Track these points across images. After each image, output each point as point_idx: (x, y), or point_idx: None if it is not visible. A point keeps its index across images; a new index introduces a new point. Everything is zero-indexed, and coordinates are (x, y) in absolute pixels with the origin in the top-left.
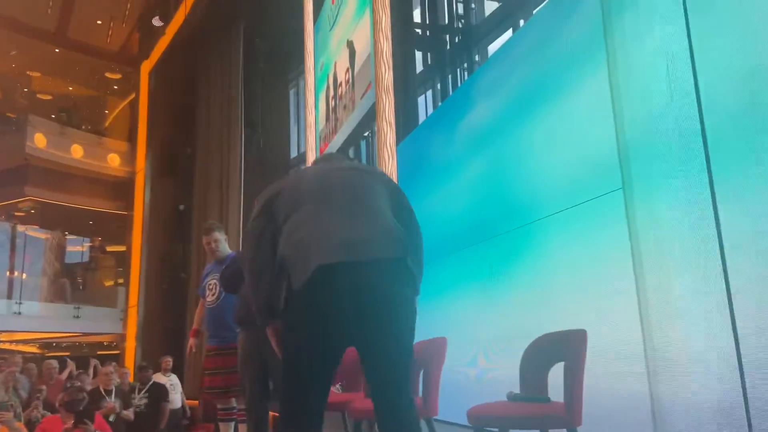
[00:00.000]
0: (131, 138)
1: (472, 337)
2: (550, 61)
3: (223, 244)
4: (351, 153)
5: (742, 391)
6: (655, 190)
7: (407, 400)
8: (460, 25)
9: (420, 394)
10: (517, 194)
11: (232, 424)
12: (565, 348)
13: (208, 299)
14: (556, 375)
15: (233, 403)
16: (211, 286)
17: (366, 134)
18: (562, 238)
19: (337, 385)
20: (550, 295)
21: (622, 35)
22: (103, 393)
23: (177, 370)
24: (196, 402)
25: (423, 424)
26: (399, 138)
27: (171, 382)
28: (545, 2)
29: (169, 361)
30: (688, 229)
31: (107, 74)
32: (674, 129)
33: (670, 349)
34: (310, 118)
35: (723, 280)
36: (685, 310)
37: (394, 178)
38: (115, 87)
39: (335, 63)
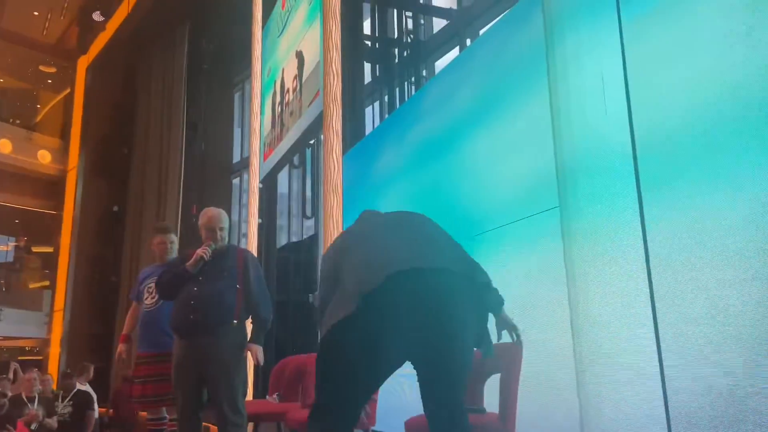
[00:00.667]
0: (64, 135)
1: None
2: (495, 80)
3: (176, 247)
4: (296, 160)
5: (664, 399)
6: (589, 208)
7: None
8: (409, 40)
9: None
10: (458, 209)
11: None
12: (500, 360)
13: (147, 302)
14: (491, 386)
15: (164, 413)
16: (150, 289)
17: (312, 142)
18: (502, 252)
19: (275, 395)
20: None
21: (563, 59)
22: (25, 400)
23: (104, 377)
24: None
25: None
26: (345, 148)
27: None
28: (492, 23)
29: (91, 369)
30: (618, 244)
31: (42, 67)
32: (608, 150)
33: (599, 359)
34: (255, 123)
35: (648, 294)
36: (613, 323)
37: (339, 188)
38: (49, 81)
39: (283, 69)
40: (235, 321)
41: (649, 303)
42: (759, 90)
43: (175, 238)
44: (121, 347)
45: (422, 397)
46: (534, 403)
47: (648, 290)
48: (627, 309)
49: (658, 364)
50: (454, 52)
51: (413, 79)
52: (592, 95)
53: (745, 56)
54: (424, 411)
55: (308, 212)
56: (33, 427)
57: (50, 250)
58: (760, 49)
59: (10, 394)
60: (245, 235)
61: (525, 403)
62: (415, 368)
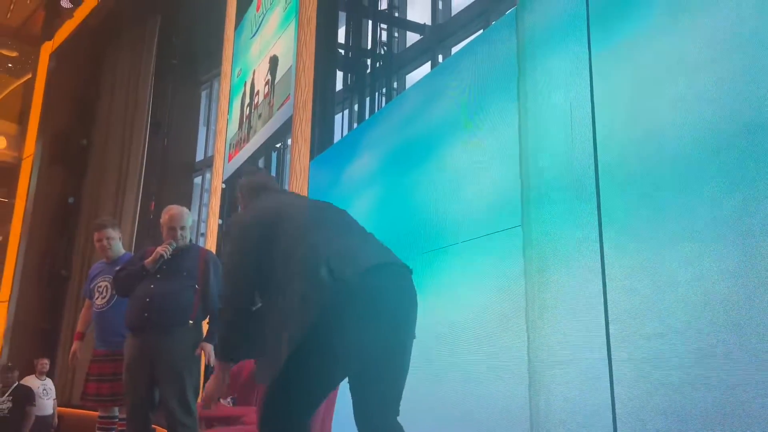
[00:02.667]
0: (21, 121)
1: None
2: (466, 98)
3: (117, 243)
4: (261, 163)
5: (612, 408)
6: (550, 229)
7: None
8: (382, 52)
9: None
10: (422, 223)
11: None
12: None
13: (98, 302)
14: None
15: (116, 412)
16: (101, 288)
17: (278, 145)
18: (463, 267)
19: (229, 399)
20: (444, 320)
21: (534, 80)
22: None
23: (48, 373)
24: (71, 409)
25: None
26: (312, 153)
27: (45, 386)
28: (464, 42)
29: (45, 363)
30: (576, 263)
31: (2, 51)
32: (572, 175)
33: (553, 377)
34: (222, 123)
35: (603, 315)
36: (567, 341)
37: (305, 192)
38: (10, 65)
39: (254, 71)
40: (191, 321)
41: (603, 323)
42: (724, 122)
43: (114, 233)
44: (75, 345)
45: (362, 412)
46: (483, 413)
47: (603, 311)
48: (582, 326)
49: (609, 384)
50: (426, 67)
51: (384, 90)
52: (559, 120)
53: (709, 88)
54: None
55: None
56: None
57: None
58: (726, 82)
59: None
60: (203, 235)
61: (477, 413)
62: (356, 377)
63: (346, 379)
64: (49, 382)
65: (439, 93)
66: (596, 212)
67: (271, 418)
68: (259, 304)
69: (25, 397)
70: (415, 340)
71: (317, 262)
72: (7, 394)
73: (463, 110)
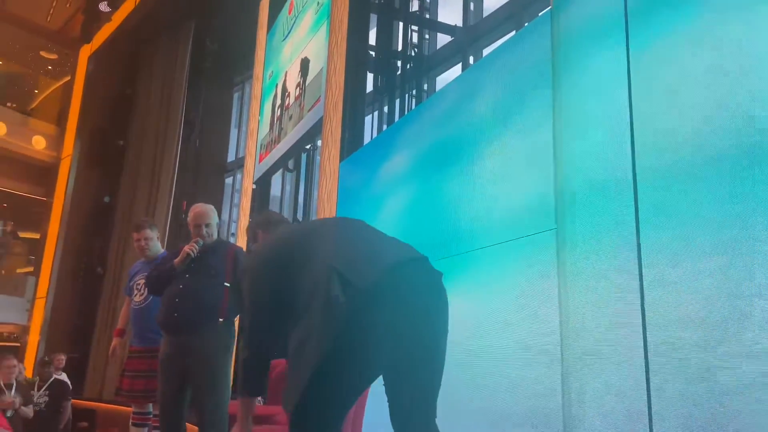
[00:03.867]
0: (60, 122)
1: None
2: (498, 100)
3: (155, 243)
4: (291, 164)
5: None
6: (586, 232)
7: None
8: (413, 53)
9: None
10: (454, 225)
11: (146, 429)
12: None
13: (136, 299)
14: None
15: (150, 408)
16: (139, 286)
17: (308, 147)
18: (496, 269)
19: (259, 398)
20: (478, 322)
21: (569, 83)
22: (2, 386)
23: (80, 369)
24: (102, 404)
25: None
26: (342, 155)
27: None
28: (496, 43)
29: (62, 359)
30: (613, 270)
31: (42, 53)
32: (608, 178)
33: (587, 387)
34: (253, 124)
35: (640, 320)
36: (603, 346)
37: (334, 195)
38: (50, 67)
39: (285, 73)
40: (221, 319)
41: (641, 330)
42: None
43: (151, 234)
44: (115, 341)
45: (398, 413)
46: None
47: (640, 317)
48: (619, 330)
49: (645, 391)
50: (456, 69)
51: (414, 92)
52: (596, 122)
53: (754, 88)
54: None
55: (299, 216)
56: (8, 414)
57: (37, 236)
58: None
59: None
60: (234, 235)
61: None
62: (389, 377)
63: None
64: (64, 377)
65: (470, 95)
66: (634, 215)
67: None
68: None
69: (62, 391)
70: (450, 343)
71: (329, 275)
72: (44, 389)
73: (495, 112)
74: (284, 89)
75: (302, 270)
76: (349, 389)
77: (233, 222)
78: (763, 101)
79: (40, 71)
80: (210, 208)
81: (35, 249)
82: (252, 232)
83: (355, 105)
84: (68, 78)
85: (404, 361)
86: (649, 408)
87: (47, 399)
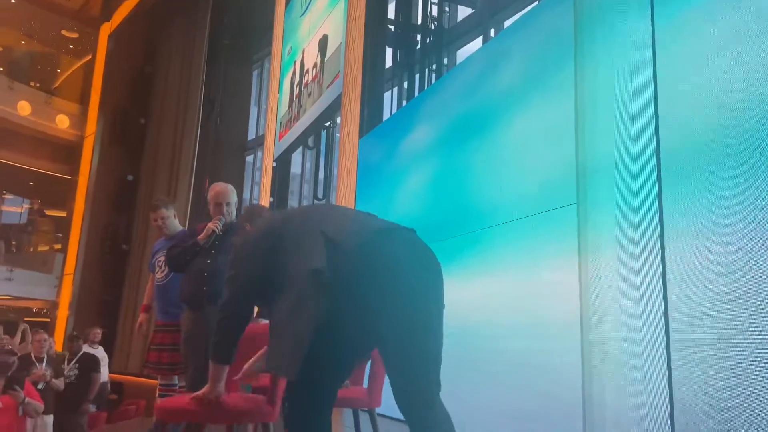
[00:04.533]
0: (83, 101)
1: None
2: (520, 73)
3: (172, 221)
4: (311, 142)
5: (668, 386)
6: (608, 207)
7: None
8: (432, 27)
9: (365, 384)
10: (474, 201)
11: None
12: None
13: (158, 276)
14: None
15: (176, 380)
16: (160, 263)
17: (328, 124)
18: (517, 244)
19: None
20: (496, 297)
21: (592, 56)
22: (33, 359)
23: (109, 344)
24: (127, 377)
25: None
26: (362, 131)
27: (100, 354)
28: (517, 15)
29: (97, 332)
30: (635, 245)
31: (64, 32)
32: (631, 151)
33: (607, 359)
34: (273, 102)
35: (662, 297)
36: (624, 317)
37: (353, 172)
38: (71, 46)
39: (304, 49)
40: None
41: (662, 301)
42: None
43: (167, 213)
44: (142, 316)
45: (397, 389)
46: (534, 397)
47: (662, 290)
48: (641, 307)
49: (666, 365)
50: (477, 42)
51: (434, 66)
52: (619, 95)
53: None
54: (406, 411)
55: (320, 194)
56: (40, 386)
57: (63, 214)
58: None
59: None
60: None
61: (525, 394)
62: (384, 350)
63: None
64: (100, 351)
65: (491, 68)
66: (657, 191)
67: (296, 409)
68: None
69: (91, 364)
70: (460, 317)
71: (316, 232)
72: (74, 362)
73: (516, 86)
74: (302, 66)
75: (293, 245)
76: (345, 351)
77: (254, 200)
78: None
79: (62, 50)
80: (229, 187)
81: (62, 227)
82: (240, 227)
83: (374, 80)
84: (89, 57)
85: (397, 327)
86: (670, 382)
87: (77, 372)
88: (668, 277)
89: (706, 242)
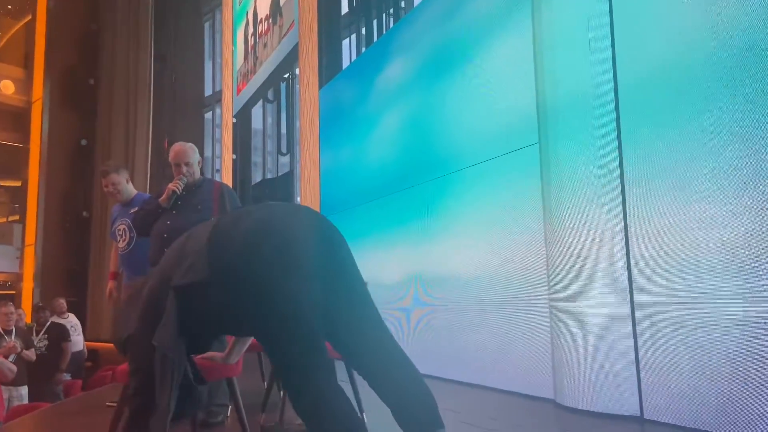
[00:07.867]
0: (26, 64)
1: (391, 279)
2: (476, 16)
3: (125, 186)
4: (270, 95)
5: (633, 338)
6: (569, 146)
7: None
8: None
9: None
10: (437, 146)
11: None
12: None
13: (120, 245)
14: None
15: None
16: (120, 231)
17: (286, 75)
18: (481, 186)
19: None
20: (461, 241)
21: None
22: (2, 332)
23: (80, 313)
24: (101, 344)
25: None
26: (321, 82)
27: (71, 323)
28: None
29: (62, 303)
30: (597, 184)
31: None
32: (590, 90)
33: (573, 295)
34: (227, 54)
35: (623, 235)
36: (587, 258)
37: (316, 123)
38: (9, 7)
39: None
40: None
41: (623, 238)
42: (745, 33)
43: (119, 177)
44: (111, 284)
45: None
46: (504, 339)
47: (623, 225)
48: (601, 242)
49: (629, 300)
50: None
51: (391, 10)
52: (576, 34)
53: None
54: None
55: (283, 149)
56: (11, 359)
57: (18, 183)
58: None
59: None
60: (219, 171)
61: (495, 340)
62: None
63: None
64: (72, 319)
65: (449, 10)
66: (615, 128)
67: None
68: None
69: (60, 334)
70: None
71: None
72: (42, 333)
73: (475, 27)
74: (255, 15)
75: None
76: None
77: (217, 158)
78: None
79: (0, 12)
80: (190, 146)
81: (17, 197)
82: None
83: (330, 28)
84: (29, 17)
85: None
86: (633, 315)
87: (47, 342)
88: (629, 208)
89: (665, 173)
